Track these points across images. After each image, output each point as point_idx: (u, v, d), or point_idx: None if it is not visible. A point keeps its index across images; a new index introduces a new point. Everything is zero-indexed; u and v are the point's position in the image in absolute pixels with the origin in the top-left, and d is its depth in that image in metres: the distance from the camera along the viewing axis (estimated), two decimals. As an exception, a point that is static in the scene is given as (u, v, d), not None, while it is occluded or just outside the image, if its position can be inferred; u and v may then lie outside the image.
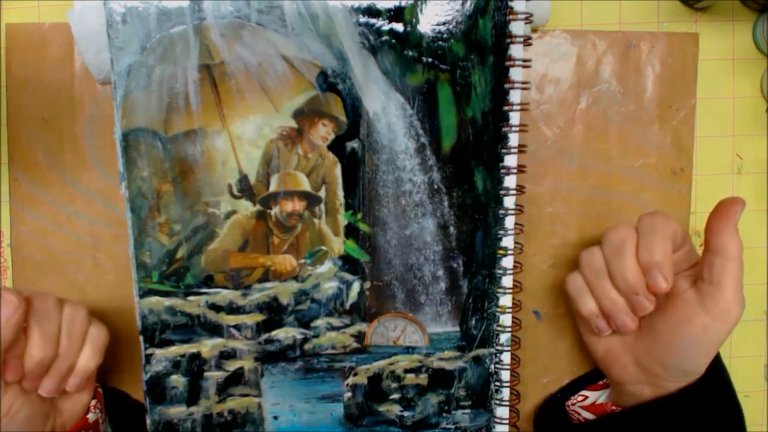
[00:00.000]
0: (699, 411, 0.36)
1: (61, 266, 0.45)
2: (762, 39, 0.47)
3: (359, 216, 0.37)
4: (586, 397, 0.42)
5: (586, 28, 0.45)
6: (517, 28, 0.36)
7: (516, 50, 0.37)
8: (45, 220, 0.45)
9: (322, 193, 0.37)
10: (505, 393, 0.41)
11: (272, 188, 0.37)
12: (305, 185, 0.37)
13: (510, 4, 0.36)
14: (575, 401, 0.42)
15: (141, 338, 0.38)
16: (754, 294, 0.50)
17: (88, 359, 0.36)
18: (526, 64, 0.37)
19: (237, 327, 0.38)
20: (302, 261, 0.37)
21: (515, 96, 0.37)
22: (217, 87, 0.35)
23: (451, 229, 0.38)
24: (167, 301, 0.37)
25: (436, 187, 0.37)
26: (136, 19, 0.34)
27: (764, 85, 0.47)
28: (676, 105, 0.47)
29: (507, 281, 0.39)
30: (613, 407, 0.39)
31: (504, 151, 0.38)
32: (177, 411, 0.38)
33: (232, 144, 0.36)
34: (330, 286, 0.38)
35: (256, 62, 0.35)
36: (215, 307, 0.38)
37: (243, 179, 0.36)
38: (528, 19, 0.37)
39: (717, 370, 0.36)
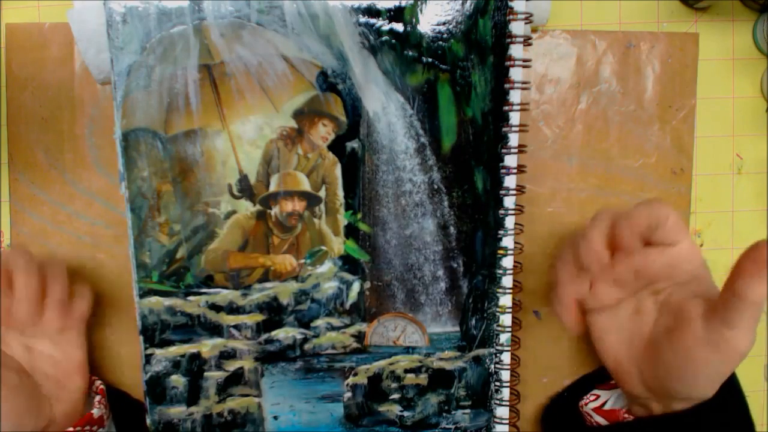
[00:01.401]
0: (710, 430, 0.35)
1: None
2: (762, 39, 0.47)
3: (359, 216, 0.37)
4: (598, 396, 0.41)
5: (586, 28, 0.45)
6: (517, 28, 0.36)
7: (516, 50, 0.37)
8: (45, 220, 0.45)
9: (322, 193, 0.37)
10: (505, 393, 0.41)
11: (272, 188, 0.37)
12: (305, 185, 0.37)
13: (510, 4, 0.36)
14: (588, 401, 0.41)
15: (141, 338, 0.38)
16: None
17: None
18: (526, 64, 0.37)
19: (237, 327, 0.38)
20: (302, 261, 0.37)
21: (515, 96, 0.37)
22: (217, 87, 0.35)
23: (451, 229, 0.38)
24: (167, 301, 0.37)
25: (436, 187, 0.37)
26: (136, 19, 0.34)
27: (764, 85, 0.47)
28: (676, 105, 0.47)
29: (507, 281, 0.39)
30: (626, 415, 0.39)
31: (504, 151, 0.38)
32: (177, 411, 0.38)
33: (232, 144, 0.36)
34: (330, 286, 0.38)
35: (256, 62, 0.35)
36: (215, 307, 0.38)
37: (243, 179, 0.36)
38: (528, 19, 0.37)
39: (732, 390, 0.36)
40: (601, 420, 0.40)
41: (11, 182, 0.45)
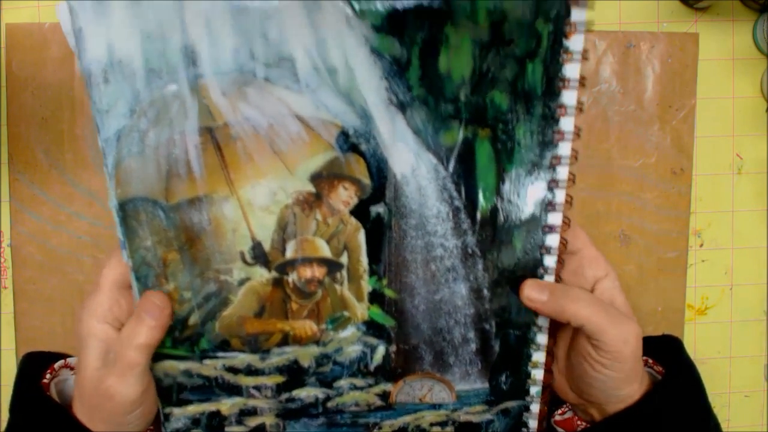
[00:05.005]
0: (662, 420, 0.35)
1: (61, 266, 0.45)
2: (762, 39, 0.46)
3: (385, 282, 0.34)
4: (564, 412, 0.41)
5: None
6: (571, 70, 0.31)
7: (569, 97, 0.31)
8: (45, 220, 0.46)
9: (343, 260, 0.33)
10: (532, 436, 0.40)
11: (289, 255, 0.33)
12: (325, 252, 0.33)
13: (565, 43, 0.30)
14: (556, 415, 0.41)
15: (158, 398, 0.36)
16: (754, 294, 0.51)
17: None
18: (580, 108, 0.32)
19: (257, 387, 0.36)
20: (323, 327, 0.35)
21: (564, 147, 0.32)
22: (221, 150, 0.30)
23: (485, 291, 0.35)
24: (182, 365, 0.35)
25: (470, 251, 0.34)
26: (119, 77, 0.28)
27: (764, 85, 0.47)
28: (676, 105, 0.47)
29: (542, 339, 0.36)
30: (579, 422, 0.39)
31: (549, 208, 0.33)
32: (200, 461, 0.38)
33: (243, 210, 0.32)
34: (353, 350, 0.36)
35: (266, 123, 0.30)
36: (233, 370, 0.36)
37: (256, 246, 0.33)
38: (585, 57, 0.31)
39: (674, 380, 0.36)
40: (561, 431, 0.40)
41: (11, 182, 0.45)
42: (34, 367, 0.37)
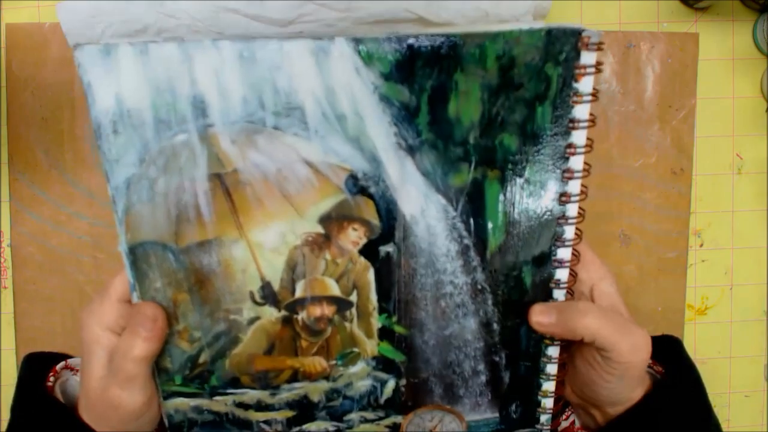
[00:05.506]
0: (662, 421, 0.35)
1: (61, 266, 0.45)
2: (762, 39, 0.46)
3: (394, 319, 0.34)
4: (568, 416, 0.41)
5: (586, 28, 0.44)
6: (581, 111, 0.31)
7: (578, 136, 0.31)
8: (45, 220, 0.45)
9: (353, 298, 0.33)
10: (541, 462, 0.40)
11: (298, 294, 0.33)
12: (334, 290, 0.33)
13: (575, 85, 0.30)
14: (561, 421, 0.41)
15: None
16: (754, 294, 0.51)
17: None
18: (589, 145, 0.32)
19: (267, 422, 0.37)
20: (333, 362, 0.35)
21: (573, 186, 0.32)
22: (231, 196, 0.30)
23: (495, 325, 0.35)
24: (193, 402, 0.35)
25: (479, 287, 0.34)
26: (129, 128, 0.28)
27: (764, 85, 0.47)
28: (676, 105, 0.46)
29: (551, 369, 0.37)
30: (580, 430, 0.39)
31: (558, 243, 0.33)
32: (212, 493, 0.38)
33: (252, 252, 0.32)
34: (363, 384, 0.36)
35: (275, 169, 0.30)
36: (243, 405, 0.36)
37: (266, 286, 0.33)
38: (595, 97, 0.31)
39: (674, 380, 0.36)
40: None
41: (11, 182, 0.45)
42: (37, 368, 0.37)
